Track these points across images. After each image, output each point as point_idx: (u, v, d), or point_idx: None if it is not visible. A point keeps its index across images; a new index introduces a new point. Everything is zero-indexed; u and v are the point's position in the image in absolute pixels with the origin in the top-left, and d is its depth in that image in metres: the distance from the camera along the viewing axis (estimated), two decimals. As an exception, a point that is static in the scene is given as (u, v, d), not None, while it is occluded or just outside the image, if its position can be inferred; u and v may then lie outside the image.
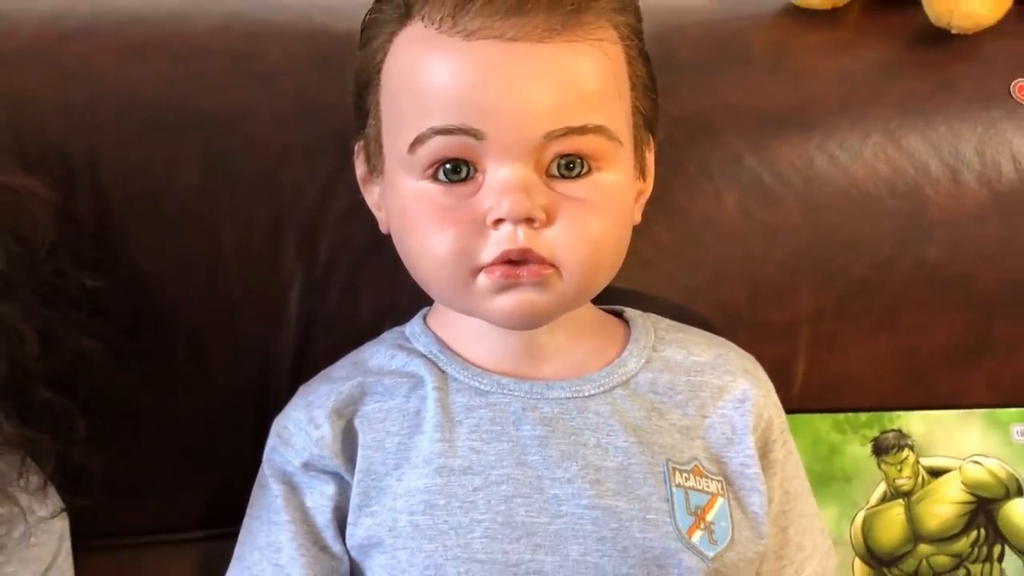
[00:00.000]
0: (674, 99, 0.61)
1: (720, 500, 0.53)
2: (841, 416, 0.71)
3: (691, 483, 0.53)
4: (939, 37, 0.71)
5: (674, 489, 0.52)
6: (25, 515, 0.52)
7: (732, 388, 0.56)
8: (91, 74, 0.61)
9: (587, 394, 0.54)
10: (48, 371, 0.53)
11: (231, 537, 0.60)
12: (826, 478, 0.70)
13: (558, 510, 0.51)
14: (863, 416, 0.71)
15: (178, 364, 0.62)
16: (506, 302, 0.50)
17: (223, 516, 0.63)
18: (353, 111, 0.57)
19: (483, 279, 0.50)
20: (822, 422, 0.71)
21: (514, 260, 0.50)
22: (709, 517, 0.52)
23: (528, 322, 0.52)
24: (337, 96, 0.60)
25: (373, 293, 0.64)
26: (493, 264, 0.50)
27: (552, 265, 0.50)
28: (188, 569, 0.65)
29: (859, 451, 0.71)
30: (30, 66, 0.61)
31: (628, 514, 0.51)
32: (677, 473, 0.53)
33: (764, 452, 0.57)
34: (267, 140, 0.62)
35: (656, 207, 0.62)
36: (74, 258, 0.56)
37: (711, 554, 0.52)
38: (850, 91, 0.70)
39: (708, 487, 0.53)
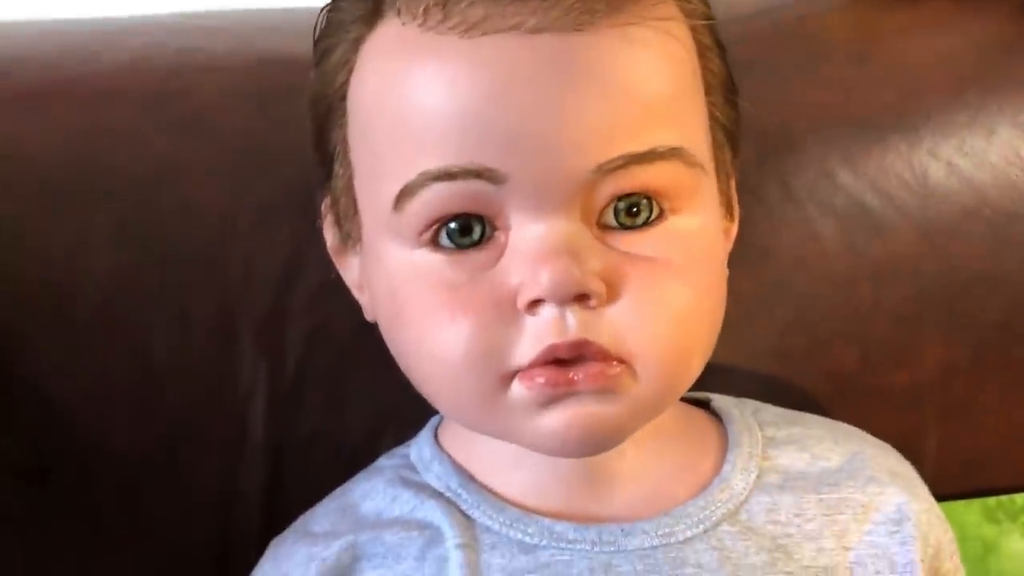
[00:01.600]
0: (741, 107, 0.46)
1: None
2: (992, 501, 0.56)
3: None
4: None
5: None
6: None
7: (882, 504, 0.40)
8: None
9: (682, 538, 0.37)
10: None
11: None
12: None
13: None
14: (1020, 499, 0.56)
15: (105, 520, 0.46)
16: (556, 421, 0.34)
17: None
18: (314, 156, 0.41)
19: (519, 389, 0.34)
20: (968, 511, 0.55)
21: (564, 359, 0.33)
22: None
23: (591, 447, 0.35)
24: (295, 137, 0.44)
25: (364, 397, 0.48)
26: (533, 366, 0.33)
27: (621, 360, 0.34)
28: None
29: (1021, 546, 0.54)
30: None
31: None
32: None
33: (934, 586, 0.40)
34: (204, 204, 0.47)
35: (734, 249, 0.46)
36: None
37: None
38: (962, 78, 0.56)
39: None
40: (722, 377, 0.52)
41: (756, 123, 0.53)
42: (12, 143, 0.48)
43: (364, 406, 0.48)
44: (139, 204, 0.47)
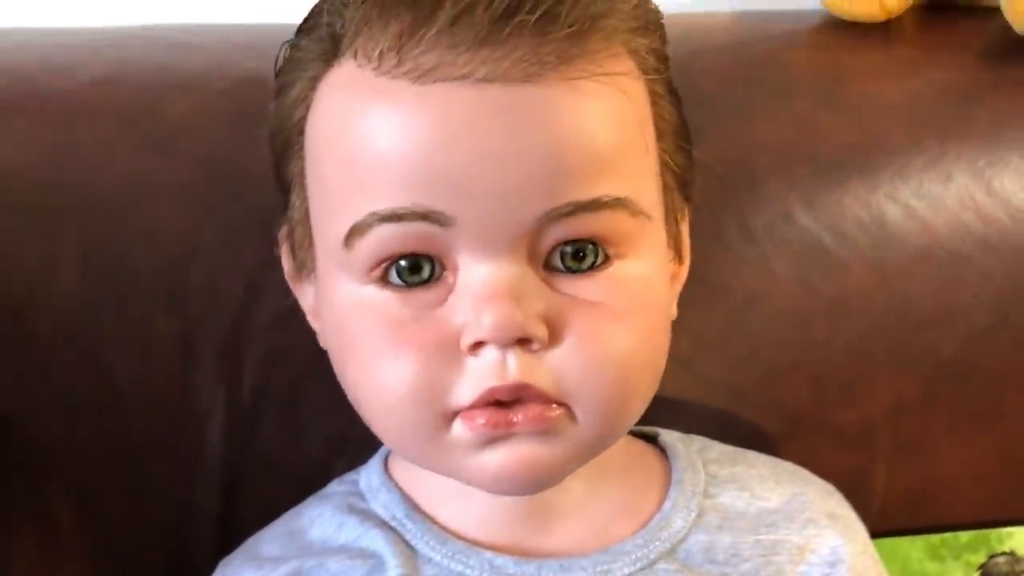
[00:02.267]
0: (701, 144, 0.47)
1: None
2: (936, 538, 0.56)
3: None
4: (1026, 49, 0.58)
5: None
6: None
7: (817, 546, 0.41)
8: None
9: (620, 575, 0.38)
10: None
11: None
12: None
13: None
14: (964, 536, 0.56)
15: (61, 537, 0.46)
16: (495, 460, 0.35)
17: None
18: (275, 184, 0.41)
19: (460, 428, 0.34)
20: (912, 547, 0.56)
21: (504, 401, 0.34)
22: None
23: (527, 486, 0.36)
24: (263, 160, 0.45)
25: (320, 420, 0.49)
26: (474, 407, 0.34)
27: (561, 404, 0.34)
28: None
29: None
30: None
31: None
32: None
33: (865, 630, 0.41)
34: (170, 226, 0.48)
35: (690, 286, 0.47)
36: None
37: None
38: (923, 123, 0.57)
39: None
40: (674, 410, 0.53)
41: (716, 160, 0.55)
42: None
43: (319, 429, 0.48)
44: (105, 224, 0.47)
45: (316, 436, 0.48)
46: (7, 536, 0.46)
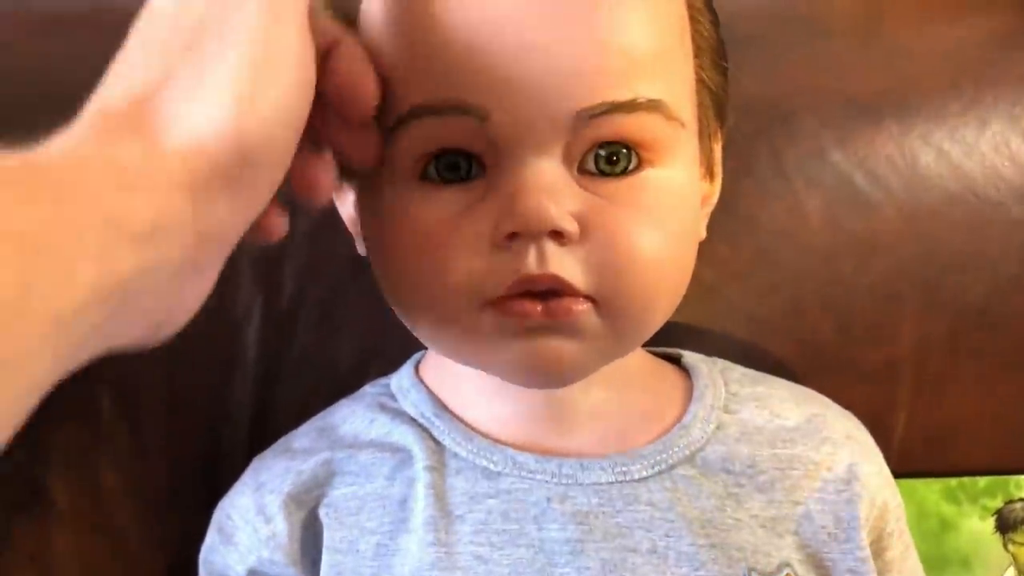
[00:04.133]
0: (737, 82, 0.47)
1: (821, 619, 0.38)
2: (954, 481, 0.57)
3: (784, 599, 0.38)
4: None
5: (761, 609, 0.37)
6: None
7: (833, 463, 0.41)
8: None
9: (637, 476, 0.39)
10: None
11: None
12: (938, 562, 0.55)
13: (599, 643, 0.36)
14: (982, 481, 0.57)
15: (102, 427, 0.48)
16: (524, 351, 0.36)
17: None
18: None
19: (491, 318, 0.35)
20: (929, 489, 0.56)
21: (536, 292, 0.35)
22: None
23: (553, 379, 0.37)
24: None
25: (354, 330, 0.50)
26: (507, 297, 0.35)
27: (589, 298, 0.35)
28: None
29: (979, 527, 0.56)
30: None
31: (698, 648, 0.36)
32: (764, 585, 0.38)
33: (878, 551, 0.42)
34: None
35: (718, 217, 0.47)
36: None
37: None
38: (961, 68, 0.57)
39: (806, 602, 0.38)
40: (699, 338, 0.54)
41: (752, 96, 0.55)
42: (38, 65, 0.50)
43: (352, 338, 0.49)
44: None
45: (349, 344, 0.49)
46: (51, 426, 0.47)
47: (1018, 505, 0.57)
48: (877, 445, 0.48)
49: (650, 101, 0.35)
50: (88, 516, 0.48)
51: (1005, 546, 0.56)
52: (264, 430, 0.49)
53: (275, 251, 0.49)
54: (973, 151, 0.56)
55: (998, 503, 0.56)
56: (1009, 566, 0.56)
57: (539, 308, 0.35)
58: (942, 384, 0.56)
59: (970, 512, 0.57)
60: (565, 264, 0.35)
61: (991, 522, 0.56)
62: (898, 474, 0.54)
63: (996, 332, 0.56)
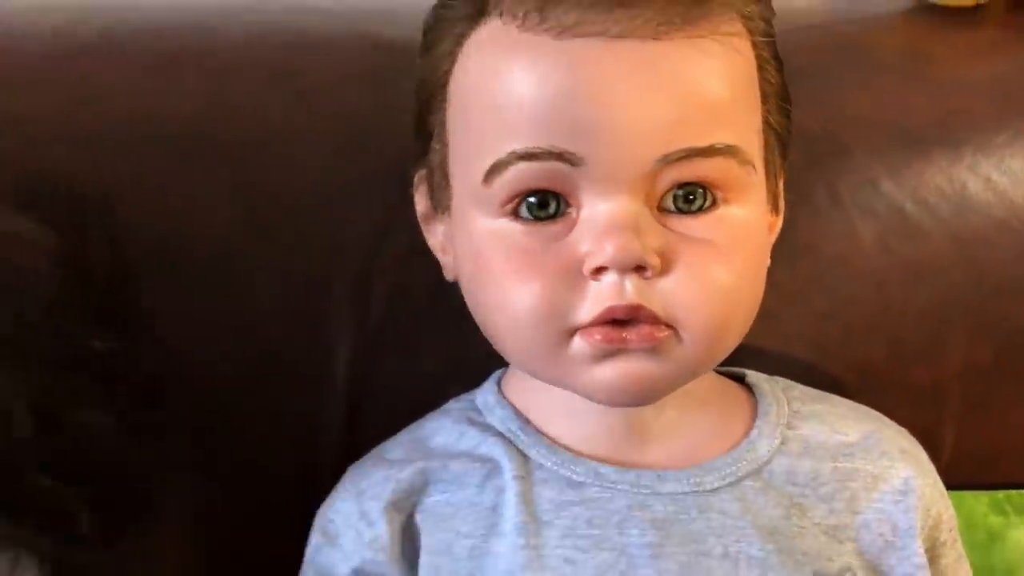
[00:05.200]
0: (794, 114, 0.51)
1: (881, 620, 0.42)
2: (1001, 494, 0.60)
3: (846, 602, 0.41)
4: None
5: (826, 612, 0.41)
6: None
7: (890, 476, 0.45)
8: (104, 96, 0.53)
9: (710, 487, 0.43)
10: (46, 453, 0.43)
11: None
12: (986, 572, 0.58)
13: (679, 641, 0.39)
14: None
15: (205, 442, 0.52)
16: (609, 373, 0.39)
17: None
18: (414, 133, 0.46)
19: (579, 343, 0.39)
20: (977, 502, 0.59)
21: (620, 320, 0.39)
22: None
23: (637, 398, 0.41)
24: (394, 118, 0.50)
25: (437, 352, 0.54)
26: (593, 325, 0.39)
27: (669, 326, 0.39)
28: None
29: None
30: (34, 88, 0.53)
31: (769, 647, 0.39)
32: (829, 588, 0.41)
33: (932, 558, 0.45)
34: (311, 171, 0.53)
35: (777, 244, 0.50)
36: (81, 315, 0.47)
37: None
38: (1006, 100, 0.60)
39: (866, 605, 0.42)
40: (759, 359, 0.56)
41: (808, 129, 0.58)
42: (142, 108, 0.54)
43: (436, 356, 0.53)
44: (253, 168, 0.53)
45: (434, 363, 0.53)
46: (152, 449, 0.51)
47: None
48: (948, 499, 0.51)
49: (726, 147, 0.39)
50: (191, 530, 0.53)
51: None
52: (353, 446, 0.53)
53: (366, 278, 0.53)
54: (1019, 180, 0.59)
55: None
56: None
57: (624, 335, 0.38)
58: (988, 403, 0.60)
59: (1017, 523, 0.59)
60: (648, 295, 0.38)
61: None
62: (947, 486, 0.58)
63: None
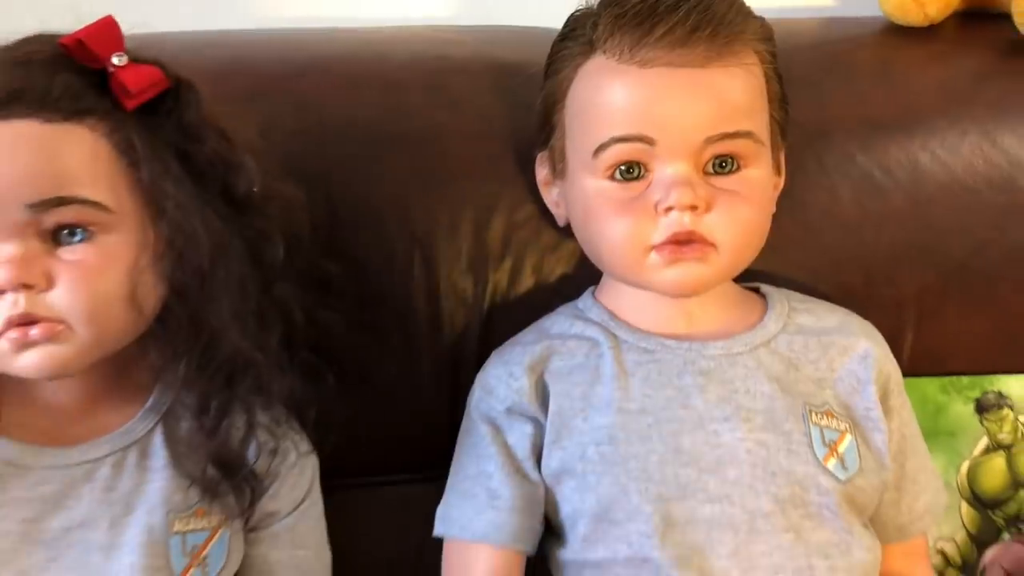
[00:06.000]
0: (792, 109, 0.73)
1: (849, 436, 0.65)
2: (946, 380, 0.81)
3: (824, 422, 0.64)
4: (1027, 47, 0.81)
5: (811, 427, 0.64)
6: (296, 448, 0.67)
7: (856, 347, 0.68)
8: (315, 104, 0.75)
9: (736, 352, 0.66)
10: (311, 336, 0.66)
11: (424, 481, 0.73)
12: (933, 433, 0.79)
13: (717, 442, 0.63)
14: (965, 380, 0.81)
15: (390, 336, 0.75)
16: (674, 274, 0.63)
17: (419, 464, 0.77)
18: (537, 128, 0.70)
19: (654, 256, 0.63)
20: (929, 385, 0.80)
21: (680, 240, 0.62)
22: (840, 449, 0.64)
23: (691, 290, 0.64)
24: (512, 118, 0.74)
25: (543, 278, 0.76)
26: (663, 244, 0.62)
27: (712, 244, 0.63)
28: (387, 507, 0.78)
29: (962, 410, 0.80)
30: (266, 99, 0.75)
31: (775, 445, 0.63)
32: (813, 414, 0.64)
33: (884, 399, 0.68)
34: (457, 155, 0.76)
35: (782, 201, 0.73)
36: (319, 249, 0.69)
37: (843, 477, 0.63)
38: (948, 97, 0.80)
39: (839, 426, 0.65)
40: (770, 280, 0.77)
41: (802, 119, 0.79)
42: (345, 112, 0.75)
43: (542, 282, 0.76)
44: (419, 153, 0.74)
45: (539, 286, 0.76)
46: (361, 338, 0.74)
47: (991, 395, 0.81)
48: (896, 364, 0.71)
49: (746, 132, 0.62)
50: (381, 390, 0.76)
51: (981, 422, 0.80)
52: (488, 341, 0.74)
53: (489, 219, 0.75)
54: (957, 154, 0.79)
55: (976, 394, 0.80)
56: (983, 436, 0.81)
57: (683, 250, 0.62)
58: (936, 315, 0.79)
59: (956, 400, 0.80)
60: (698, 225, 0.62)
61: (971, 407, 0.80)
62: (908, 375, 0.78)
63: (972, 279, 0.79)
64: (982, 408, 0.81)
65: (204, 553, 0.62)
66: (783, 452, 0.63)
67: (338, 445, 0.71)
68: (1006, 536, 0.79)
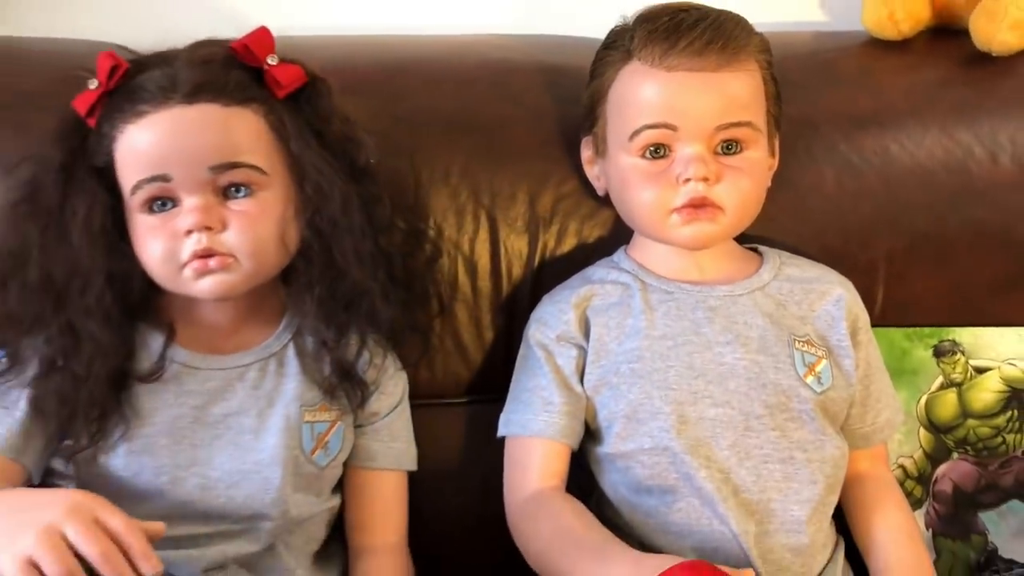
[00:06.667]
0: (787, 106, 0.91)
1: (824, 360, 0.83)
2: (910, 330, 0.97)
3: (805, 348, 0.83)
4: (983, 59, 0.98)
5: (795, 351, 0.82)
6: (394, 363, 0.85)
7: (832, 293, 0.86)
8: (410, 97, 0.94)
9: (737, 294, 0.85)
10: (403, 279, 0.85)
11: (484, 403, 0.91)
12: (899, 372, 0.96)
13: (721, 361, 0.81)
14: (926, 330, 0.97)
15: (460, 282, 0.93)
16: (690, 231, 0.82)
17: (481, 387, 0.95)
18: (583, 117, 0.88)
19: (675, 217, 0.82)
20: (896, 334, 0.97)
21: (696, 204, 0.81)
22: (817, 369, 0.83)
23: (703, 244, 0.83)
24: (562, 109, 0.93)
25: (584, 239, 0.95)
26: (682, 207, 0.81)
27: (720, 208, 0.81)
28: (454, 424, 0.96)
29: (923, 354, 0.97)
30: (367, 94, 0.93)
31: (766, 364, 0.81)
32: (796, 342, 0.83)
33: (853, 334, 0.86)
34: (516, 140, 0.94)
35: (776, 180, 0.91)
36: (399, 214, 0.87)
37: (819, 390, 0.81)
38: (916, 99, 0.98)
39: (816, 352, 0.83)
40: (764, 242, 0.94)
41: (795, 115, 0.96)
42: (428, 104, 0.93)
43: (580, 242, 0.94)
44: (485, 139, 0.92)
45: (580, 246, 0.94)
46: (438, 283, 0.93)
47: (946, 343, 0.97)
48: (865, 309, 0.90)
49: (748, 122, 0.81)
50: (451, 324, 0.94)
51: (938, 365, 0.97)
52: (537, 289, 0.92)
53: (541, 193, 0.94)
54: (921, 145, 0.96)
55: (935, 341, 0.96)
56: (939, 375, 0.97)
57: (698, 212, 0.80)
58: (903, 275, 0.96)
59: (918, 346, 0.96)
60: (710, 192, 0.81)
61: (930, 352, 0.97)
62: (878, 325, 0.95)
63: (933, 246, 0.96)
64: (939, 353, 0.97)
65: (326, 439, 0.81)
66: (772, 369, 0.81)
67: (418, 371, 0.90)
68: (955, 455, 0.96)
